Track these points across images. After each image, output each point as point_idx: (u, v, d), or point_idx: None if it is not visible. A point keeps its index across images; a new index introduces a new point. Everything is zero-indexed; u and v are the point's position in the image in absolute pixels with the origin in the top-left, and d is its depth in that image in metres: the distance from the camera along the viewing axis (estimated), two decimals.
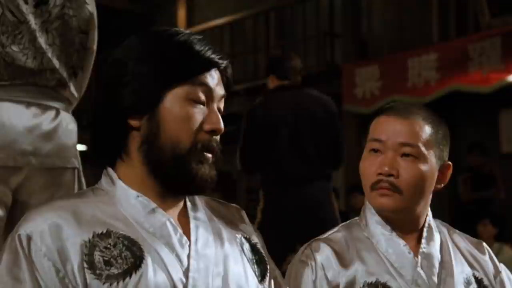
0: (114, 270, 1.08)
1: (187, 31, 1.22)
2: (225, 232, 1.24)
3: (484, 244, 1.64)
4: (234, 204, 1.37)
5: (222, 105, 1.23)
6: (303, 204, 3.52)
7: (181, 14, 10.60)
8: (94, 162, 1.24)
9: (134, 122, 1.17)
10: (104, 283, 1.07)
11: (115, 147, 1.20)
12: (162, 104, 1.16)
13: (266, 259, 1.29)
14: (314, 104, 3.66)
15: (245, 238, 1.28)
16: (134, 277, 1.08)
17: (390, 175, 1.46)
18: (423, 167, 1.48)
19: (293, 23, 8.76)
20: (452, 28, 7.24)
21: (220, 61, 1.20)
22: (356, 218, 1.60)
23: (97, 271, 1.08)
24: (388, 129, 1.50)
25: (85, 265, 1.08)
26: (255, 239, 1.30)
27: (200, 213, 1.23)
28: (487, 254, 1.61)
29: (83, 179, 1.78)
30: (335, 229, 1.57)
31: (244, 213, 1.35)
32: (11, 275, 1.08)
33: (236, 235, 1.26)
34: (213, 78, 1.19)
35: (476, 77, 6.49)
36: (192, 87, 1.17)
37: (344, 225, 1.59)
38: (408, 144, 1.48)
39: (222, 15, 9.42)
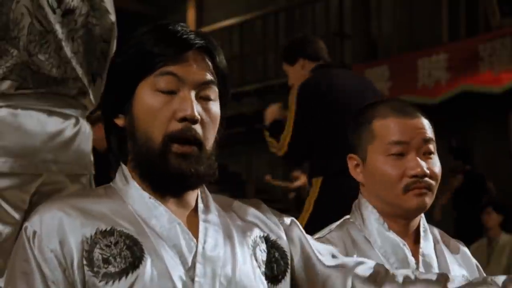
0: (112, 269, 1.07)
1: (165, 22, 1.19)
2: (237, 235, 1.21)
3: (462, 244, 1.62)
4: (254, 200, 1.32)
5: (207, 92, 1.16)
6: None
7: (191, 15, 10.62)
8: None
9: (118, 121, 1.18)
10: (100, 281, 1.06)
11: (115, 147, 1.21)
12: (134, 100, 1.15)
13: (288, 254, 1.25)
14: (366, 85, 3.23)
15: (262, 237, 1.24)
16: (130, 277, 1.07)
17: (424, 175, 1.44)
18: (439, 163, 1.49)
19: (302, 23, 8.76)
20: (462, 28, 7.21)
21: (184, 46, 1.14)
22: (347, 217, 1.55)
23: (95, 269, 1.07)
24: (407, 129, 1.46)
25: (85, 262, 1.08)
26: (275, 235, 1.25)
27: (211, 216, 1.21)
28: (469, 253, 1.60)
29: (93, 183, 1.81)
30: (328, 229, 1.52)
31: (264, 206, 1.30)
32: (21, 269, 1.09)
33: (250, 237, 1.22)
34: (182, 65, 1.14)
35: (487, 77, 6.47)
36: (157, 78, 1.14)
37: (338, 225, 1.54)
38: (431, 140, 1.47)
39: (232, 16, 9.44)
